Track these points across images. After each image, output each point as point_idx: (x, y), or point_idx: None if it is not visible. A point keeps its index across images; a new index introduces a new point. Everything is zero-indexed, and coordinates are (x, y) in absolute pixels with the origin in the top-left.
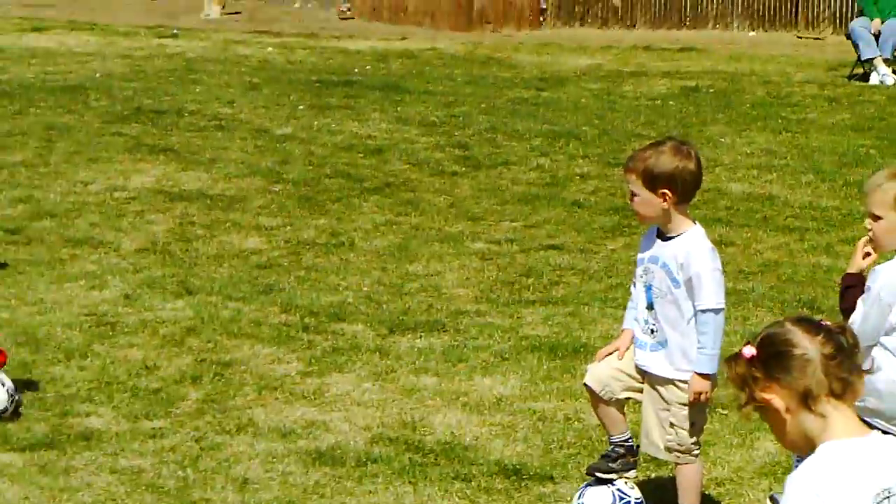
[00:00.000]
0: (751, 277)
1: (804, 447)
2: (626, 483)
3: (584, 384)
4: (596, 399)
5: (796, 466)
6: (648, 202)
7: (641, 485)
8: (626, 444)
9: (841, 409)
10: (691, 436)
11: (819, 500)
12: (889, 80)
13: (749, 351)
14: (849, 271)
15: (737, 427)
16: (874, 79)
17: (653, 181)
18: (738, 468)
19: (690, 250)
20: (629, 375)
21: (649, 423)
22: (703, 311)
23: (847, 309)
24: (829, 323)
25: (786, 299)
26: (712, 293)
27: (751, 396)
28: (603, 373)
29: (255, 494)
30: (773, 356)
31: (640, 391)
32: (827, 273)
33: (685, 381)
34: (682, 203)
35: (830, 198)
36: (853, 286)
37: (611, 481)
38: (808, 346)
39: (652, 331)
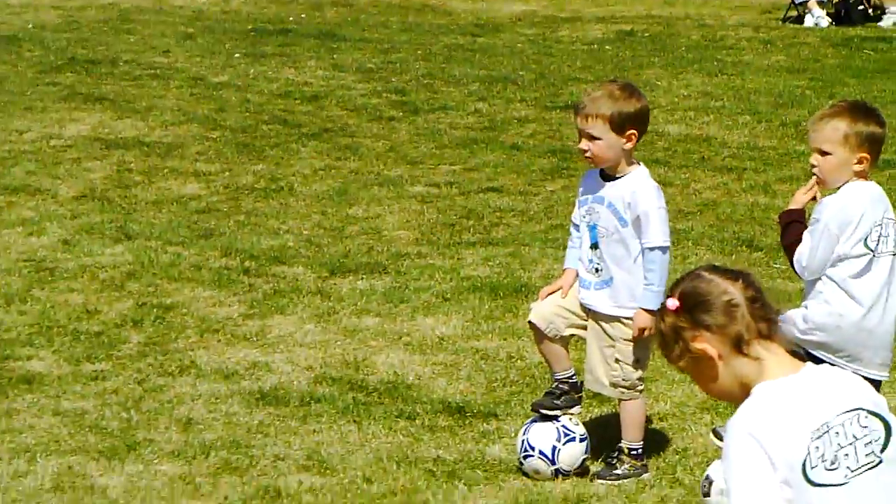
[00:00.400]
0: (689, 217)
1: (739, 394)
2: (570, 419)
3: (529, 322)
4: (540, 336)
5: None
6: (612, 145)
7: (585, 421)
8: (570, 380)
9: (772, 350)
10: (635, 371)
11: (757, 443)
12: (823, 23)
13: (673, 303)
14: (791, 207)
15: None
16: (808, 21)
17: (621, 124)
18: (680, 403)
19: (637, 189)
20: (573, 313)
21: (594, 360)
22: (651, 249)
23: (789, 245)
24: (738, 268)
25: (724, 238)
26: (659, 231)
27: (685, 348)
28: (547, 310)
29: (199, 434)
30: (699, 306)
31: (585, 328)
32: (765, 212)
33: (630, 318)
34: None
35: (767, 138)
36: (795, 221)
37: (555, 418)
38: (732, 291)
39: (597, 269)
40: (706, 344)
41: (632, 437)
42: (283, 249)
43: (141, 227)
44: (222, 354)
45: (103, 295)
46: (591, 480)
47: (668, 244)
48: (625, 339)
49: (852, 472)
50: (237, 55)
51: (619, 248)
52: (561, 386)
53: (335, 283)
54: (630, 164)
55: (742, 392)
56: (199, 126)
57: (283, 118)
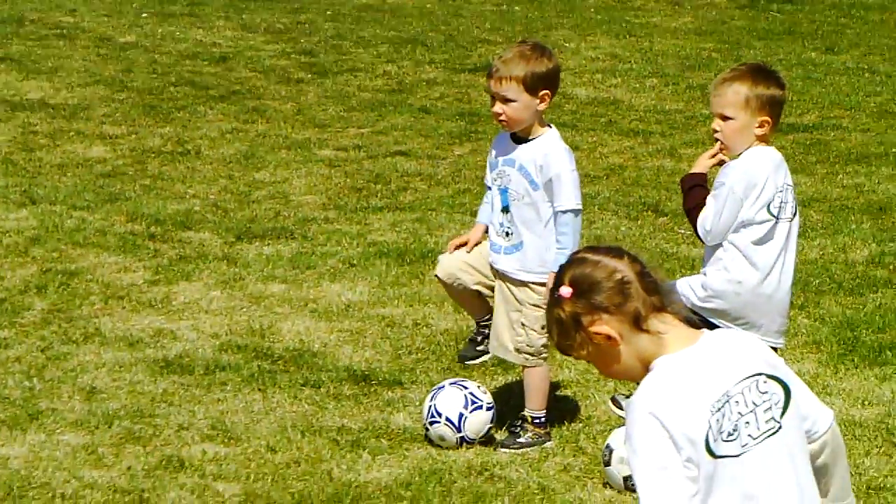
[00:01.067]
0: (596, 181)
1: (641, 372)
2: (478, 387)
3: (435, 275)
4: (449, 289)
5: None
6: (527, 106)
7: (490, 389)
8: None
9: (668, 321)
10: (540, 337)
11: (659, 422)
12: None
13: (566, 290)
14: (695, 171)
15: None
16: None
17: (534, 85)
18: (584, 370)
19: (549, 152)
20: (479, 271)
21: (500, 325)
22: (564, 212)
23: (692, 209)
24: (614, 245)
25: (631, 202)
26: (571, 194)
27: (586, 336)
28: (453, 265)
29: (103, 403)
30: (592, 288)
31: (492, 289)
32: (671, 176)
33: (540, 284)
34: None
35: (674, 101)
36: (698, 185)
37: (463, 385)
38: (622, 268)
39: (507, 233)
40: (606, 326)
41: (535, 406)
42: (189, 214)
43: (46, 192)
44: (127, 322)
45: (6, 260)
46: (495, 449)
47: (580, 207)
48: (532, 304)
49: (754, 440)
50: (145, 15)
51: (530, 211)
52: (482, 331)
53: (241, 249)
54: (542, 125)
55: (644, 369)
56: (106, 87)
57: (190, 80)
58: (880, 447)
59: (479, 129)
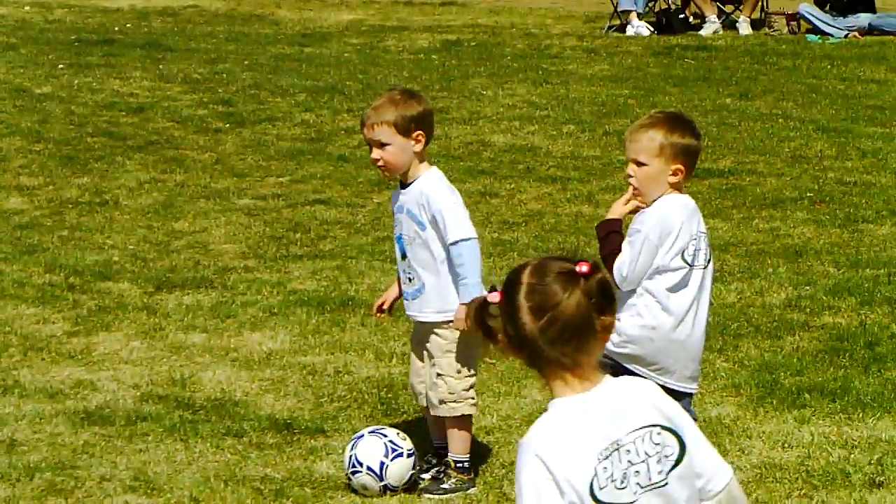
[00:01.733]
0: (515, 228)
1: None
2: (398, 434)
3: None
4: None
5: None
6: (402, 149)
7: (411, 433)
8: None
9: (560, 374)
10: (459, 381)
11: (544, 465)
12: (644, 31)
13: (495, 297)
14: (610, 217)
15: (504, 376)
16: (630, 30)
17: (406, 126)
18: (506, 416)
19: (428, 191)
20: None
21: (427, 385)
22: (455, 244)
23: (608, 255)
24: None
25: (549, 248)
26: (458, 225)
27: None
28: (411, 382)
29: (24, 456)
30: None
31: None
32: (589, 222)
33: (445, 323)
34: (426, 144)
35: (591, 147)
36: (613, 232)
37: (383, 434)
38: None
39: (409, 279)
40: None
41: (459, 450)
42: (108, 265)
43: None
44: (47, 373)
45: None
46: (419, 496)
47: (472, 235)
48: (443, 353)
49: (642, 488)
50: (61, 66)
51: (423, 251)
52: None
53: (161, 299)
54: (422, 167)
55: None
56: (22, 139)
57: (108, 130)
58: (801, 489)
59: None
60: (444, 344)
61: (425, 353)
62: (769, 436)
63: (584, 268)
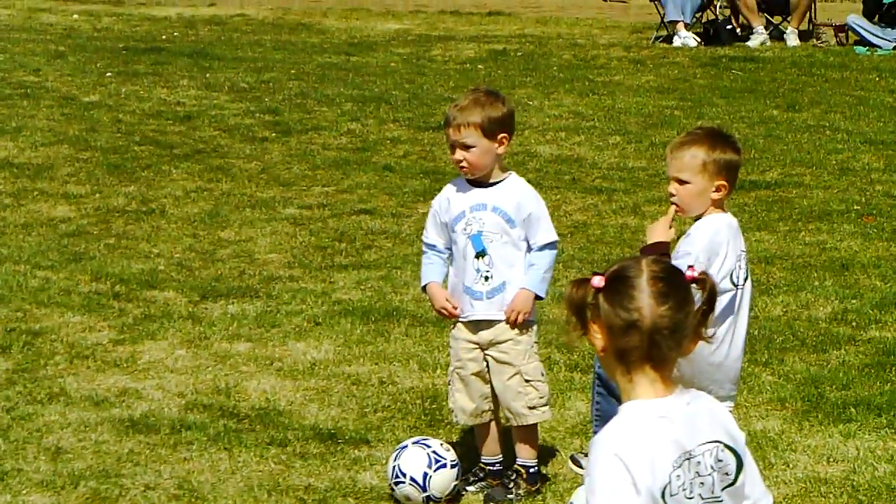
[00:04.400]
0: (560, 239)
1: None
2: (441, 445)
3: (456, 421)
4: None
5: (596, 392)
6: (487, 151)
7: (455, 445)
8: (492, 467)
9: (646, 370)
10: (545, 384)
11: (623, 465)
12: (691, 42)
13: (600, 281)
14: (657, 240)
15: (550, 388)
16: (677, 41)
17: (492, 128)
18: (550, 428)
19: (524, 190)
20: (484, 384)
21: (507, 398)
22: (547, 245)
23: None
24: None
25: (595, 260)
26: (550, 229)
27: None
28: (472, 407)
29: (69, 464)
30: (617, 301)
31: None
32: (635, 233)
33: (522, 327)
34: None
35: (637, 159)
36: (663, 254)
37: (426, 444)
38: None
39: (486, 278)
40: (599, 335)
41: (530, 456)
42: (153, 273)
43: (9, 251)
44: (92, 381)
45: None
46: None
47: (557, 240)
48: (526, 358)
49: (703, 500)
50: (109, 74)
51: (509, 249)
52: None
53: (206, 308)
54: (503, 169)
55: (619, 377)
56: (70, 147)
57: (154, 139)
58: None
59: (444, 187)
60: (525, 350)
61: (493, 364)
62: (814, 450)
63: (695, 272)
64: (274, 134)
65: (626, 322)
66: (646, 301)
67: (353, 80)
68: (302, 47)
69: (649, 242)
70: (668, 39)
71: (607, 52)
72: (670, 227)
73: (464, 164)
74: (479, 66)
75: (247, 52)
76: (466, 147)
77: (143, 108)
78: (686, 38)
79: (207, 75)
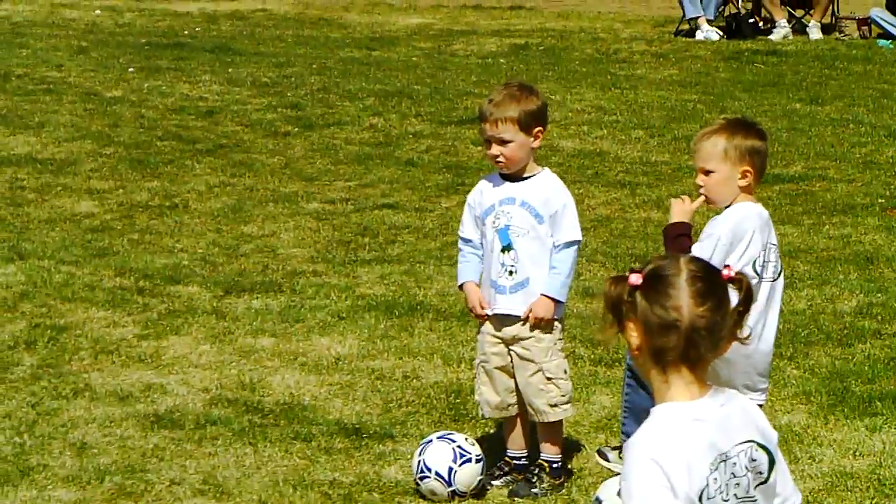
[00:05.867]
0: (583, 233)
1: (647, 374)
2: (466, 440)
3: (482, 416)
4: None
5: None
6: (523, 145)
7: (480, 439)
8: (518, 461)
9: (682, 370)
10: (567, 382)
11: (660, 469)
12: (714, 36)
13: (637, 278)
14: (679, 220)
15: (574, 383)
16: (699, 35)
17: (528, 122)
18: (575, 423)
19: (554, 185)
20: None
21: (529, 395)
22: (571, 243)
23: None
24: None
25: (618, 254)
26: (574, 226)
27: (620, 327)
28: (496, 401)
29: (94, 459)
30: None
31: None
32: (658, 227)
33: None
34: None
35: (660, 153)
36: (683, 235)
37: (451, 439)
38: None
39: (510, 272)
40: (635, 333)
41: (554, 452)
42: (177, 268)
43: (33, 247)
44: (117, 376)
45: None
46: (510, 498)
47: (580, 239)
48: (548, 355)
49: (738, 499)
50: (131, 69)
51: (535, 245)
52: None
53: (230, 303)
54: (537, 163)
55: (650, 374)
56: (93, 142)
57: (177, 134)
58: (872, 498)
59: (466, 182)
60: (547, 347)
61: (516, 360)
62: (840, 444)
63: (731, 271)
64: (296, 129)
65: (665, 321)
66: (685, 300)
67: (374, 74)
68: (324, 42)
69: (671, 221)
70: (691, 33)
71: (629, 45)
72: (693, 206)
73: (500, 159)
74: (501, 61)
75: (269, 47)
76: (504, 142)
77: (165, 104)
78: (708, 31)
79: (229, 70)
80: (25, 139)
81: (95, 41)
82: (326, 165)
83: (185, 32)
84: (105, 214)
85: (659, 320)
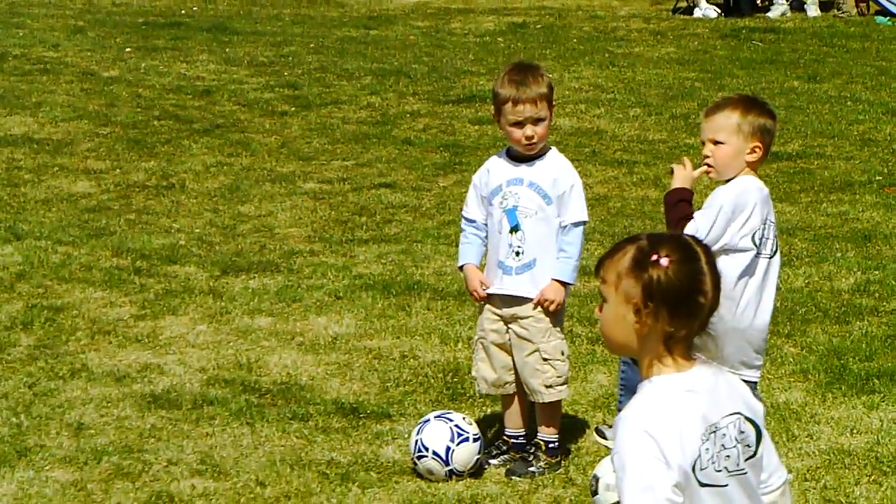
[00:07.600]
0: None
1: (633, 351)
2: (464, 419)
3: (479, 392)
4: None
5: (622, 383)
6: (549, 123)
7: (477, 418)
8: (516, 440)
9: (679, 347)
10: (564, 361)
11: (654, 441)
12: (712, 13)
13: (665, 261)
14: (680, 185)
15: (571, 362)
16: (697, 12)
17: (552, 98)
18: (572, 401)
19: (562, 166)
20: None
21: (525, 374)
22: (575, 225)
23: (678, 221)
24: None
25: (616, 232)
26: (581, 206)
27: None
28: (493, 377)
29: (91, 440)
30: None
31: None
32: (655, 205)
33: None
34: None
35: (657, 131)
36: (684, 200)
37: (449, 418)
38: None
39: (517, 253)
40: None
41: (551, 432)
42: (174, 248)
43: (30, 227)
44: (114, 357)
45: None
46: (506, 477)
47: (587, 220)
48: (545, 336)
49: (729, 472)
50: (128, 49)
51: (543, 226)
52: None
53: (227, 283)
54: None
55: (635, 351)
56: (90, 122)
57: (174, 113)
58: (870, 475)
59: (464, 161)
60: (545, 328)
61: (514, 339)
62: (838, 421)
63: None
64: (293, 108)
65: (689, 304)
66: (710, 286)
67: (372, 53)
68: (321, 21)
69: (673, 187)
70: (688, 11)
71: (627, 23)
72: (695, 172)
73: (534, 138)
74: (499, 39)
75: (266, 27)
76: (539, 121)
77: (162, 83)
78: (706, 9)
79: (227, 50)
80: (22, 119)
81: (92, 21)
82: (324, 145)
83: (182, 12)
84: (102, 194)
85: (678, 302)
